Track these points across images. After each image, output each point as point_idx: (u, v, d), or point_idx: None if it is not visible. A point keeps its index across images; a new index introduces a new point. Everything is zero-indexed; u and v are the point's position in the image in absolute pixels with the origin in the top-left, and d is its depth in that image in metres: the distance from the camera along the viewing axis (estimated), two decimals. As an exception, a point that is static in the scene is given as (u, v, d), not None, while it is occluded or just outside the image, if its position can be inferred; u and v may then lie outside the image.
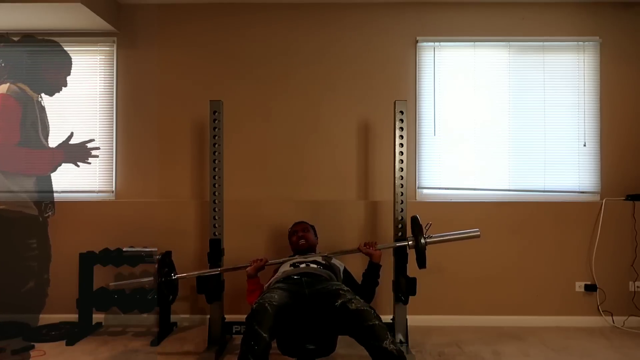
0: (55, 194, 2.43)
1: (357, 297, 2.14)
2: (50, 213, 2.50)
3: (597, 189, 3.49)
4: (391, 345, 1.93)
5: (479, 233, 2.70)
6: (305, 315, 2.16)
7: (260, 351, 1.91)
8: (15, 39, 2.44)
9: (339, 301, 2.09)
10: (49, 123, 2.54)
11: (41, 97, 2.52)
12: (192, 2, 3.54)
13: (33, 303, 2.41)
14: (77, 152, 2.44)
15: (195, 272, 2.81)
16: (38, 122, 2.41)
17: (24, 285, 2.35)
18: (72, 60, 2.57)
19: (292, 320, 2.14)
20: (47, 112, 2.52)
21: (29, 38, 2.44)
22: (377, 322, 1.98)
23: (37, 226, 2.39)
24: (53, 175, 2.60)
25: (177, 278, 2.72)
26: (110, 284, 2.70)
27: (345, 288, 2.27)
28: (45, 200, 2.44)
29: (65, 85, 2.54)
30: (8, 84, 2.30)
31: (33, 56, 2.41)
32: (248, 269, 2.69)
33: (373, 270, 2.65)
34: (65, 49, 2.65)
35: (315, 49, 3.56)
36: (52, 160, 2.27)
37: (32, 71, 2.38)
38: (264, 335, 1.93)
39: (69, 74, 2.54)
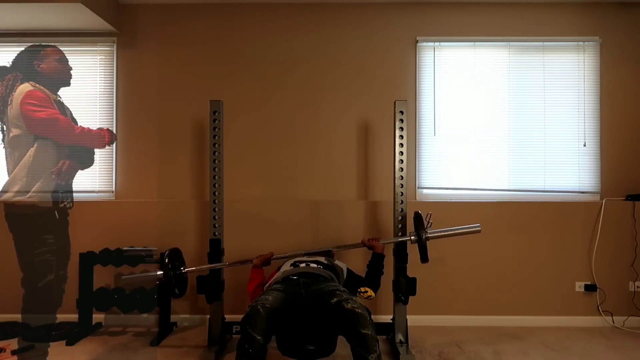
0: (55, 194, 2.48)
1: (353, 297, 2.14)
2: (66, 202, 2.54)
3: (597, 189, 3.49)
4: None
5: (479, 228, 2.73)
6: (303, 315, 2.16)
7: (255, 353, 1.92)
8: (22, 48, 2.54)
9: (335, 299, 2.09)
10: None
11: (59, 96, 2.58)
12: (192, 2, 3.54)
13: (53, 296, 2.46)
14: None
15: (205, 266, 2.83)
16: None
17: (42, 278, 2.39)
18: (70, 58, 2.68)
19: (289, 321, 2.13)
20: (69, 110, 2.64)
21: (34, 46, 2.56)
22: (370, 332, 1.97)
23: (53, 222, 2.43)
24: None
25: (187, 272, 2.72)
26: (122, 277, 2.70)
27: (342, 289, 2.27)
28: (62, 198, 2.49)
29: (71, 69, 2.63)
30: (27, 84, 2.38)
31: (38, 59, 2.51)
32: (254, 260, 2.77)
33: (377, 260, 2.67)
34: (64, 48, 2.72)
35: (315, 49, 3.56)
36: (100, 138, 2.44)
37: (40, 74, 2.48)
38: (258, 337, 1.94)
39: (67, 60, 2.63)
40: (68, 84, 2.65)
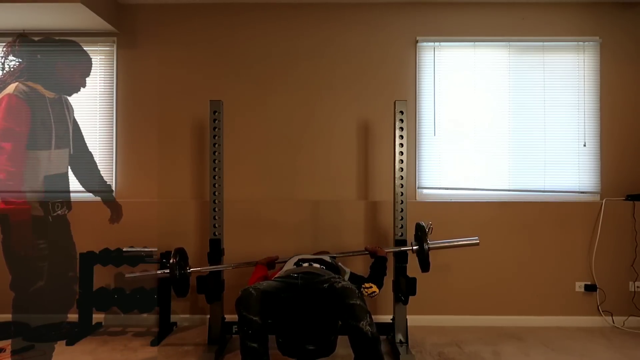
0: (57, 194, 2.43)
1: (346, 280, 2.16)
2: (60, 212, 2.48)
3: (597, 189, 3.49)
4: (367, 327, 1.94)
5: (478, 241, 2.78)
6: (298, 303, 2.16)
7: (255, 333, 1.96)
8: (36, 39, 2.44)
9: (327, 284, 2.13)
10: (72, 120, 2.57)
11: (66, 97, 2.50)
12: (192, 2, 3.54)
13: (42, 302, 2.43)
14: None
15: (210, 267, 2.83)
16: (51, 120, 2.38)
17: (32, 285, 2.35)
18: (92, 60, 2.57)
19: (284, 307, 2.14)
20: (69, 110, 2.55)
21: (48, 38, 2.46)
22: (358, 302, 1.99)
23: (45, 226, 2.38)
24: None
25: (192, 272, 2.72)
26: (127, 275, 2.68)
27: (337, 276, 2.28)
28: (53, 199, 2.43)
29: (84, 86, 2.53)
30: (16, 84, 2.26)
31: (52, 56, 2.41)
32: (260, 260, 2.80)
33: (380, 262, 2.68)
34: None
35: (315, 49, 3.56)
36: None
37: (49, 71, 2.37)
38: (254, 318, 1.97)
39: (88, 75, 2.53)
40: (77, 91, 2.58)
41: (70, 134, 2.57)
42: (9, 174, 2.22)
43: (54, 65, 2.41)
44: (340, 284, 2.08)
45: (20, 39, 2.38)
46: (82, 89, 2.56)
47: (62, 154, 2.48)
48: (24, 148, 2.24)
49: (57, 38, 2.48)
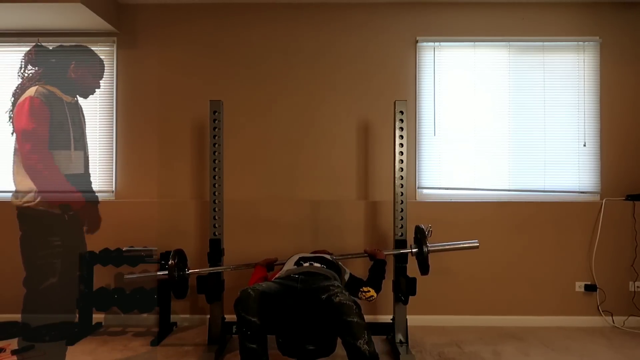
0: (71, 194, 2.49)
1: (345, 292, 2.16)
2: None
3: (597, 189, 3.49)
4: (364, 346, 1.94)
5: (477, 244, 2.77)
6: (297, 308, 2.15)
7: (254, 334, 1.97)
8: (50, 47, 2.54)
9: (325, 295, 2.11)
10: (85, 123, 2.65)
11: (77, 97, 2.56)
12: (192, 2, 3.54)
13: (53, 298, 2.45)
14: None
15: (209, 269, 2.83)
16: (68, 122, 2.45)
17: (44, 281, 2.38)
18: (104, 63, 2.68)
19: (282, 311, 2.13)
20: (83, 112, 2.62)
21: (62, 46, 2.55)
22: (355, 320, 1.98)
23: (60, 224, 2.42)
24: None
25: (190, 273, 2.72)
26: (125, 276, 2.69)
27: (337, 284, 2.27)
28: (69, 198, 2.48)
29: (99, 87, 2.62)
30: (36, 87, 2.35)
31: (66, 61, 2.49)
32: (260, 261, 2.80)
33: (379, 265, 2.67)
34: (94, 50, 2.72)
35: (315, 48, 3.57)
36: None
37: (64, 74, 2.47)
38: (253, 319, 1.97)
39: (101, 77, 2.62)
40: (92, 93, 2.64)
41: (86, 137, 2.64)
42: (47, 172, 2.34)
43: (68, 68, 2.48)
44: (338, 298, 2.05)
45: (35, 48, 2.46)
46: (96, 90, 2.64)
47: (79, 155, 2.55)
48: (47, 147, 2.31)
49: (70, 44, 2.55)
